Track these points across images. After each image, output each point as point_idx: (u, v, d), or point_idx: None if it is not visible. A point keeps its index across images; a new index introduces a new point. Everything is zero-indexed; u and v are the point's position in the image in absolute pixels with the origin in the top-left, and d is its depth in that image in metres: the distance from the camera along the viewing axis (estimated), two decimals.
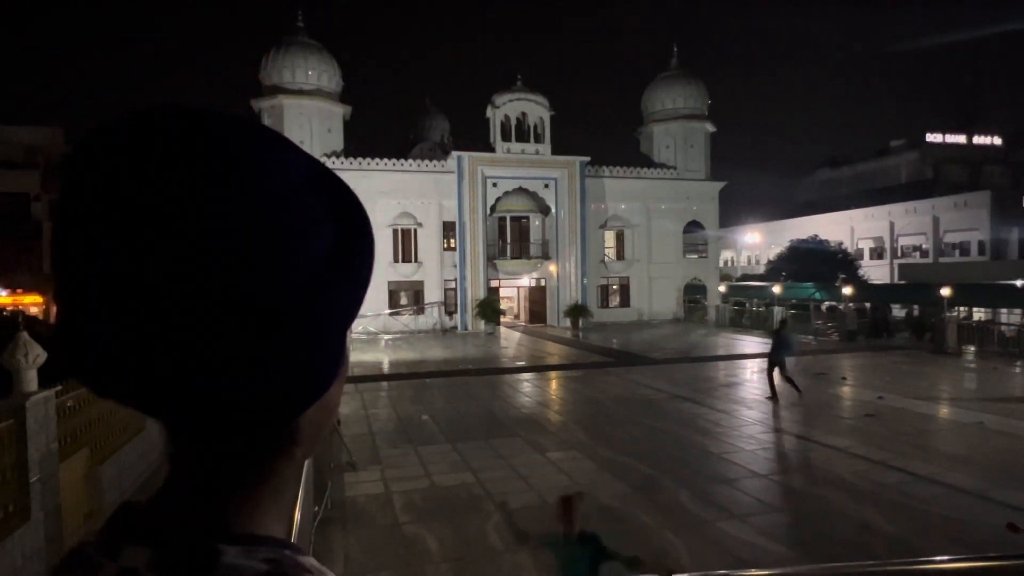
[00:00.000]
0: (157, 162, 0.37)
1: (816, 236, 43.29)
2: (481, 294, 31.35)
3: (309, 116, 31.10)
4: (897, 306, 28.33)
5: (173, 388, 0.38)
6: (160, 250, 0.36)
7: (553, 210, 33.16)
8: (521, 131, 32.76)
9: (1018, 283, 26.65)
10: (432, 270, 32.00)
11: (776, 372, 12.59)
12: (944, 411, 11.76)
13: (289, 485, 0.45)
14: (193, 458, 0.43)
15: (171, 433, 0.43)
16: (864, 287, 30.16)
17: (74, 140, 0.39)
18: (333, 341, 0.42)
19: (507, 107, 32.57)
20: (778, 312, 25.88)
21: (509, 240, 33.24)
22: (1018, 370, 16.90)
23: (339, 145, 32.09)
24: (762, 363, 15.00)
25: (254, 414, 0.40)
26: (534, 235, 33.61)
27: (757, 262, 55.13)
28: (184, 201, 0.36)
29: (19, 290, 28.82)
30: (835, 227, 49.12)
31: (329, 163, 29.15)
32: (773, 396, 12.44)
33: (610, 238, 35.83)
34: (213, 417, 0.40)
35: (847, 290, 25.59)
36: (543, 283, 34.12)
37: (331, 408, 0.47)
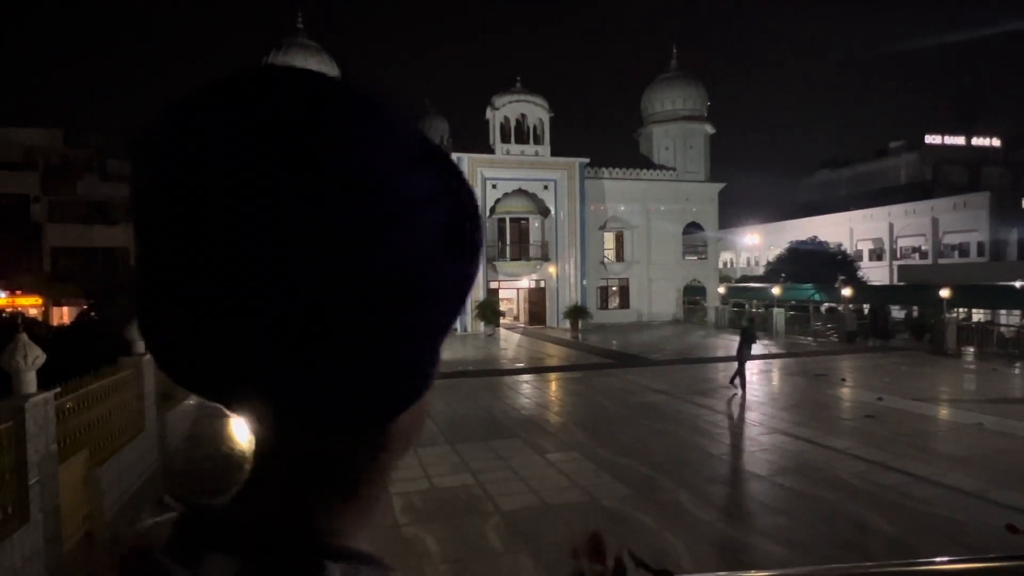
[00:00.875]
0: (271, 129, 0.33)
1: (815, 237, 43.33)
2: (480, 295, 31.34)
3: None
4: (896, 307, 28.33)
5: (266, 382, 0.34)
6: (264, 227, 0.32)
7: (552, 211, 33.18)
8: (520, 132, 32.80)
9: (1017, 284, 26.65)
10: None
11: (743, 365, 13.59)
12: (944, 412, 11.77)
13: (377, 498, 0.42)
14: (281, 463, 0.39)
15: (259, 431, 0.39)
16: (863, 288, 30.17)
17: (164, 102, 0.34)
18: (439, 335, 0.39)
19: (506, 108, 32.60)
20: (747, 313, 26.16)
21: (509, 241, 33.25)
22: (1017, 371, 16.90)
23: None
24: (763, 364, 15.05)
25: (354, 414, 0.37)
26: (534, 236, 33.62)
27: (756, 263, 55.15)
28: (296, 171, 0.32)
29: (18, 292, 28.80)
30: (834, 228, 49.16)
31: None
32: (742, 389, 13.43)
33: (609, 239, 35.86)
34: (308, 416, 0.36)
35: (846, 291, 25.60)
36: (542, 284, 34.13)
37: (423, 416, 0.43)
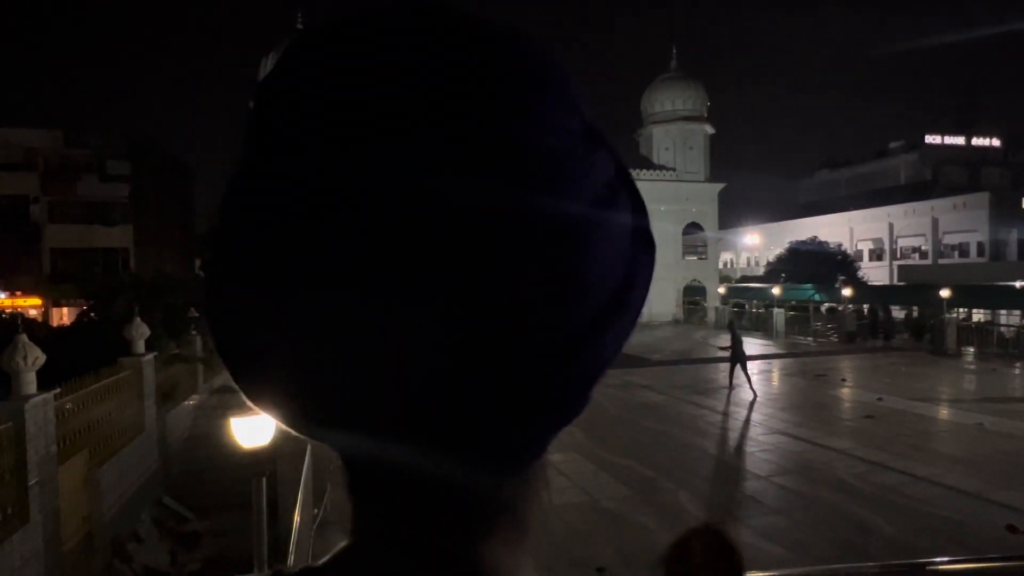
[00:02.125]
0: (418, 92, 0.26)
1: (815, 237, 43.32)
2: None
3: None
4: (896, 307, 28.34)
5: (394, 403, 0.26)
6: (413, 217, 0.25)
7: None
8: None
9: (1017, 284, 26.67)
10: None
11: (737, 365, 13.57)
12: (944, 412, 11.77)
13: (532, 532, 0.34)
14: (411, 511, 0.30)
15: (383, 470, 0.30)
16: (863, 288, 30.17)
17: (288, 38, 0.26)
18: (624, 340, 0.32)
19: None
20: (727, 312, 26.82)
21: None
22: (1017, 371, 16.90)
23: None
24: (762, 365, 15.09)
25: (506, 441, 0.28)
26: None
27: (756, 263, 55.15)
28: (459, 153, 0.25)
29: (18, 292, 28.82)
30: (834, 228, 49.16)
31: None
32: (734, 386, 13.63)
33: None
34: (452, 445, 0.28)
35: (846, 291, 25.61)
36: None
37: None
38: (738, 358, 13.51)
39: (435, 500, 0.30)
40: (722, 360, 19.64)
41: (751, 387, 13.07)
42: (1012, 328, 21.64)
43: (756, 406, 12.22)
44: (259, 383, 0.28)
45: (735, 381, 13.67)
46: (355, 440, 0.28)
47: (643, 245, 0.32)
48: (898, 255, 46.57)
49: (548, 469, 0.35)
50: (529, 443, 0.29)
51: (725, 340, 14.04)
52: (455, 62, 0.26)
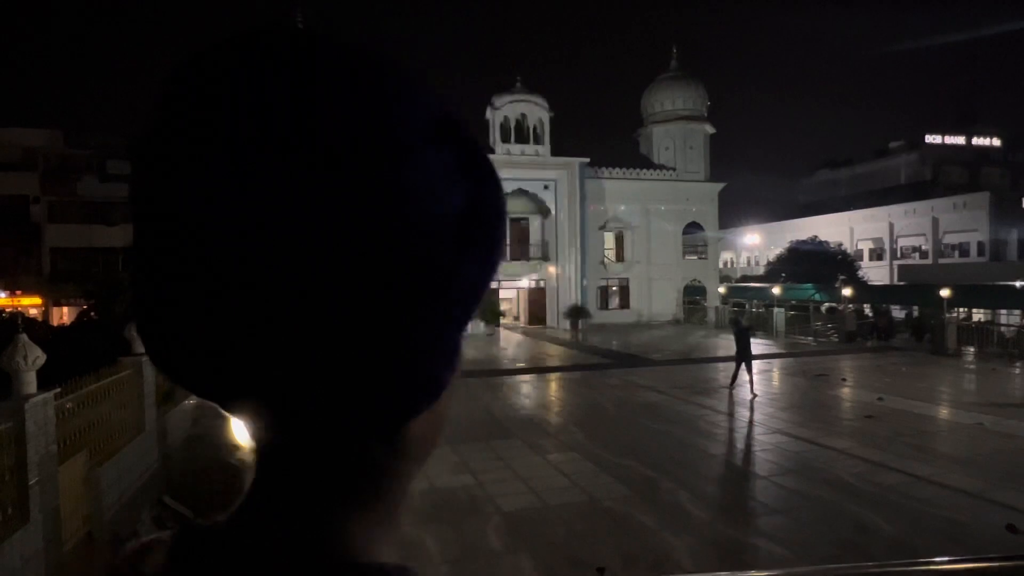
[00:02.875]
0: (278, 95, 0.29)
1: (816, 237, 43.33)
2: None
3: None
4: (896, 307, 28.36)
5: (271, 382, 0.31)
6: (267, 211, 0.28)
7: (553, 212, 33.18)
8: (520, 132, 32.81)
9: (1017, 284, 26.69)
10: None
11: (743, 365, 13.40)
12: (944, 412, 11.77)
13: (401, 504, 0.38)
14: (291, 471, 0.35)
15: (263, 438, 0.35)
16: (863, 288, 30.18)
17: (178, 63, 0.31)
18: (458, 330, 0.35)
19: (506, 108, 32.61)
20: (727, 312, 26.86)
21: (509, 242, 33.11)
22: (1017, 371, 16.90)
23: None
24: (763, 364, 15.06)
25: (368, 417, 0.33)
26: (534, 237, 33.63)
27: (757, 263, 55.15)
28: (300, 148, 0.29)
29: (18, 292, 28.82)
30: (834, 228, 49.16)
31: None
32: (735, 387, 13.57)
33: (609, 239, 35.87)
34: (319, 420, 0.32)
35: (846, 291, 25.61)
36: (543, 285, 34.13)
37: (443, 417, 0.40)
38: (743, 357, 13.13)
39: (291, 467, 0.35)
40: (722, 360, 19.67)
41: (752, 388, 12.97)
42: (1012, 328, 21.63)
43: (756, 406, 12.22)
44: (174, 361, 0.33)
45: (738, 381, 13.41)
46: (241, 408, 0.33)
47: (472, 236, 0.33)
48: (898, 255, 46.57)
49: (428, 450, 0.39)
50: (383, 414, 0.33)
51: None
52: (287, 81, 0.29)
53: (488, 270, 0.35)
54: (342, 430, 0.33)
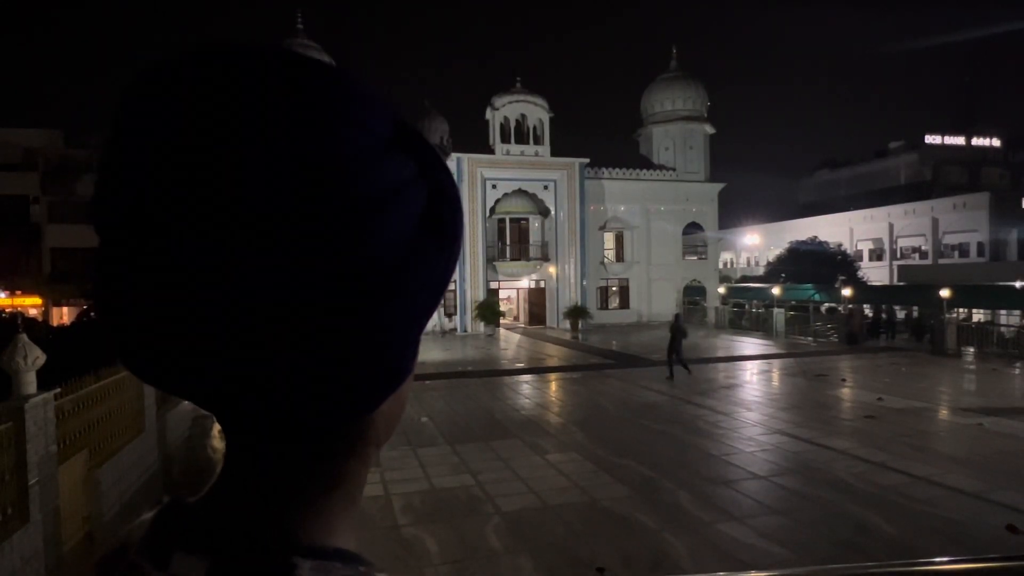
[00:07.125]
0: (226, 112, 0.31)
1: (815, 237, 43.33)
2: (480, 296, 31.36)
3: None
4: (896, 307, 28.35)
5: (233, 376, 0.33)
6: (221, 217, 0.30)
7: (552, 212, 33.19)
8: (520, 133, 32.81)
9: (1017, 284, 26.69)
10: None
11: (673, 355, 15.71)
12: (944, 412, 11.76)
13: (360, 490, 0.40)
14: (253, 456, 0.37)
15: (226, 426, 0.37)
16: (863, 288, 30.17)
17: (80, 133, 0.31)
18: (417, 325, 0.37)
19: (506, 109, 32.61)
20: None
21: (508, 242, 33.24)
22: (1017, 371, 16.90)
23: None
24: (762, 365, 15.12)
25: (326, 408, 0.35)
26: (533, 237, 33.63)
27: (756, 263, 55.16)
28: (258, 155, 0.30)
29: (18, 292, 28.82)
30: (834, 228, 49.19)
31: None
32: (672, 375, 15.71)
33: (609, 240, 35.88)
34: (277, 412, 0.34)
35: (846, 291, 25.59)
36: (542, 285, 34.13)
37: (404, 401, 0.43)
38: (674, 348, 15.62)
39: (255, 452, 0.37)
40: (722, 360, 19.69)
41: (684, 364, 15.72)
42: (1012, 328, 21.63)
43: (756, 406, 12.23)
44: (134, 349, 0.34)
45: (683, 374, 15.67)
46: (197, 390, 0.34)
47: (429, 233, 0.35)
48: (898, 255, 46.59)
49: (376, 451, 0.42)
50: (328, 407, 0.35)
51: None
52: (248, 92, 0.31)
53: (448, 262, 0.37)
54: (302, 421, 0.35)
